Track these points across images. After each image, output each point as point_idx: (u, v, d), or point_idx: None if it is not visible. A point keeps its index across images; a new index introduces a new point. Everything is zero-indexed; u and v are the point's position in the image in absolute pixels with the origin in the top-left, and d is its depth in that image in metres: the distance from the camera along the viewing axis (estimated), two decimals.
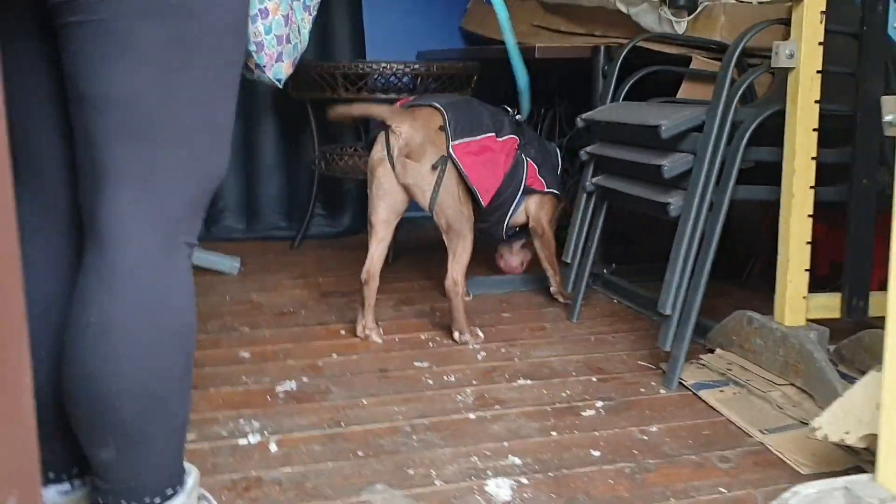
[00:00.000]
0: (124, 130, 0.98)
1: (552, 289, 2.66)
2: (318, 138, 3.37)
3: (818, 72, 1.79)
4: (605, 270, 2.86)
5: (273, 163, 3.62)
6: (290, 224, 3.63)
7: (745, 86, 1.89)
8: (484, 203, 2.28)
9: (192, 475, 1.12)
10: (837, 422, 1.38)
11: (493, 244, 2.83)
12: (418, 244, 3.43)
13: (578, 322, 2.45)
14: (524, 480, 1.51)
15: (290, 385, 1.96)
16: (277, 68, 1.52)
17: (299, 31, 1.56)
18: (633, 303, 2.60)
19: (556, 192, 2.58)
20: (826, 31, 1.81)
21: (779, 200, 1.88)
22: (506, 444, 1.66)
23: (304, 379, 2.00)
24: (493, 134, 2.32)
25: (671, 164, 1.93)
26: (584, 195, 2.41)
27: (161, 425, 1.04)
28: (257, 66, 1.45)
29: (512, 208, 2.50)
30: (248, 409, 1.81)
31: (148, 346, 1.01)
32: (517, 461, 1.58)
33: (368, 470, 1.55)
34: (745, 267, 2.95)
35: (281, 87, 1.56)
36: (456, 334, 2.26)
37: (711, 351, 2.07)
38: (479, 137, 2.27)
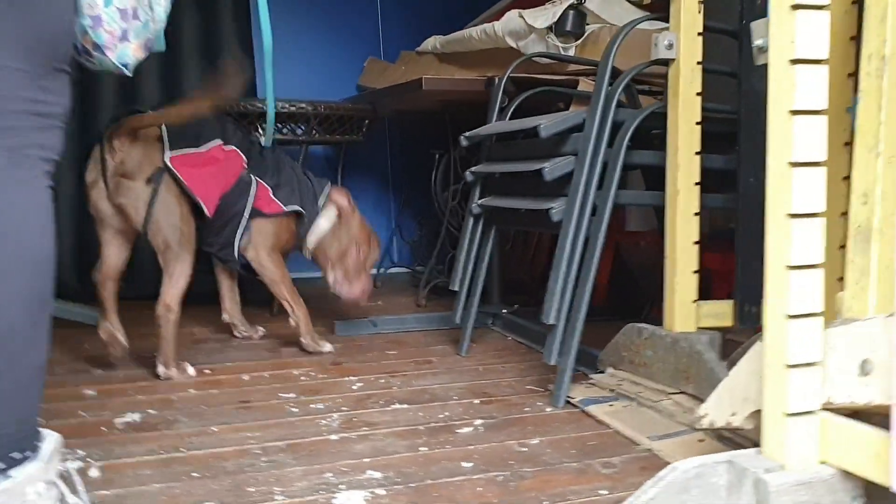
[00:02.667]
0: None
1: (302, 338, 2.31)
2: None
3: (698, 63, 1.72)
4: (504, 311, 2.72)
5: None
6: None
7: (626, 80, 1.80)
8: (209, 213, 2.07)
9: (51, 441, 0.89)
10: (723, 404, 1.23)
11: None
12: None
13: (468, 356, 2.28)
14: (380, 492, 1.30)
15: (133, 417, 1.72)
16: (123, 50, 1.31)
17: (151, 7, 1.39)
18: (526, 338, 2.45)
19: (297, 209, 2.31)
20: (705, 27, 1.76)
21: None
22: (367, 460, 1.46)
23: (151, 411, 1.77)
24: (220, 142, 2.13)
25: (552, 167, 1.81)
26: (471, 218, 2.27)
27: (5, 370, 0.82)
28: (96, 46, 1.25)
29: (241, 230, 2.22)
30: (77, 440, 1.57)
31: None
32: (377, 475, 1.38)
33: (202, 490, 1.32)
34: (643, 309, 2.85)
35: (129, 74, 1.36)
36: (160, 368, 2.02)
37: (603, 372, 1.92)
38: (204, 148, 2.08)
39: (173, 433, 1.62)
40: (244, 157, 2.20)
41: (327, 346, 2.32)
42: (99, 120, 3.29)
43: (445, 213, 3.25)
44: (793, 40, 0.93)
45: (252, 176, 2.20)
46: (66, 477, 0.92)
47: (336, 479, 1.36)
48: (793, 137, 0.96)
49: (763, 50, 1.11)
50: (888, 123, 1.01)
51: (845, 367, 1.03)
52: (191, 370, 2.07)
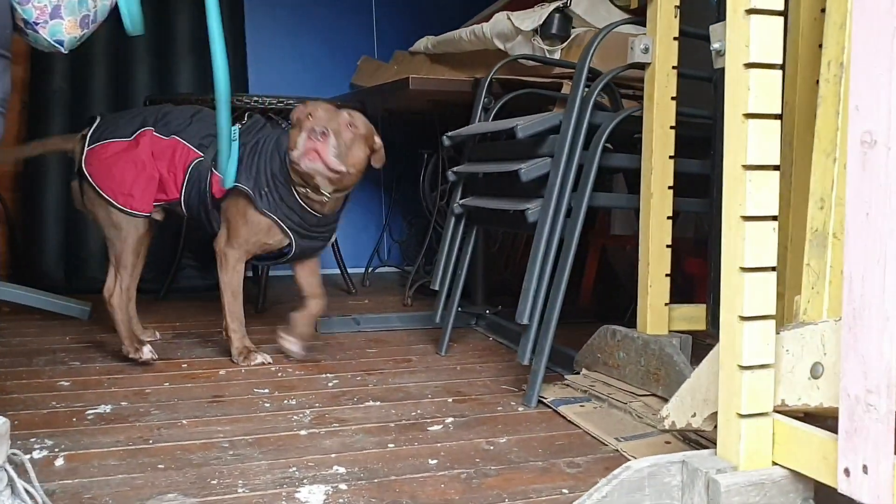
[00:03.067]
0: None
1: (231, 351, 2.16)
2: None
3: (674, 68, 1.73)
4: (487, 311, 2.72)
5: None
6: (156, 276, 3.39)
7: (602, 83, 1.81)
8: (127, 207, 2.05)
9: None
10: (684, 406, 1.24)
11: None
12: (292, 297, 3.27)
13: (448, 355, 2.29)
14: (343, 487, 1.31)
15: (105, 408, 1.73)
16: (55, 27, 1.30)
17: None
18: (507, 339, 2.46)
19: (241, 187, 2.06)
20: (681, 32, 1.77)
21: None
22: (333, 455, 1.46)
23: (123, 403, 1.77)
24: (150, 129, 2.11)
25: (528, 168, 1.82)
26: (453, 218, 2.28)
27: None
28: (26, 22, 1.24)
29: (218, 223, 2.17)
30: (46, 430, 1.58)
31: None
32: (341, 470, 1.39)
33: (165, 481, 1.33)
34: (626, 310, 2.85)
35: (65, 51, 1.36)
36: (122, 349, 2.11)
37: (578, 373, 1.93)
38: (132, 136, 2.10)
39: (143, 425, 1.62)
40: (193, 146, 2.12)
41: (258, 359, 2.14)
42: (94, 112, 3.30)
43: (433, 213, 3.25)
44: (747, 44, 0.94)
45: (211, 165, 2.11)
46: (17, 463, 0.92)
47: (300, 474, 1.37)
48: (747, 141, 0.96)
49: (720, 53, 1.12)
50: (845, 129, 1.02)
51: (797, 369, 1.04)
52: (147, 354, 2.08)
